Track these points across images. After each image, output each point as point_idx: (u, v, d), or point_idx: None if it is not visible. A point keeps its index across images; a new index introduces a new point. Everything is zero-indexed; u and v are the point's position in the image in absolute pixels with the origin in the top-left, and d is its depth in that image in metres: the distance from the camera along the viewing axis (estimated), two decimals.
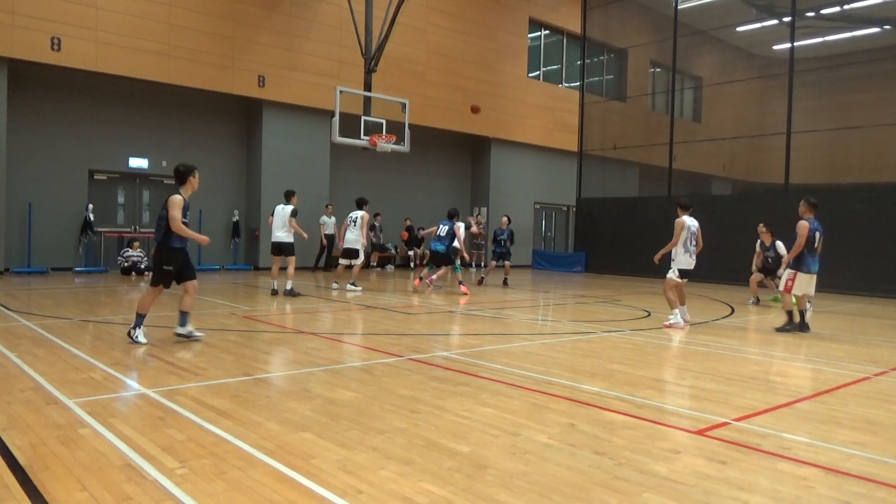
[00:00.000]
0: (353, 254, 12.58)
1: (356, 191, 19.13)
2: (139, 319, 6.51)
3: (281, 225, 11.54)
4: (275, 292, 11.53)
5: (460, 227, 13.39)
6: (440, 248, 12.98)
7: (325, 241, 17.96)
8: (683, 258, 9.04)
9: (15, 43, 13.64)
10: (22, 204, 14.63)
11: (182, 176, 6.66)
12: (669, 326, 8.93)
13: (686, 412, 4.58)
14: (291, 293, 11.31)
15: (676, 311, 9.06)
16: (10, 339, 6.63)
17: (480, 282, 15.31)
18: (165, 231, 6.43)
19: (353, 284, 12.46)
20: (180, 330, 6.74)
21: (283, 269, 11.72)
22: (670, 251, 9.16)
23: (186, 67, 15.89)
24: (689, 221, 9.14)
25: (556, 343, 7.56)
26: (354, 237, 12.50)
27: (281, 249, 11.60)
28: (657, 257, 9.41)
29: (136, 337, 6.46)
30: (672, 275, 9.07)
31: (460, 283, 13.05)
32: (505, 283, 15.12)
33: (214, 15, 16.35)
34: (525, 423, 4.16)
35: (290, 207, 11.57)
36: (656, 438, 3.94)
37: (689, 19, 20.42)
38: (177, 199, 6.44)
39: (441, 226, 13.17)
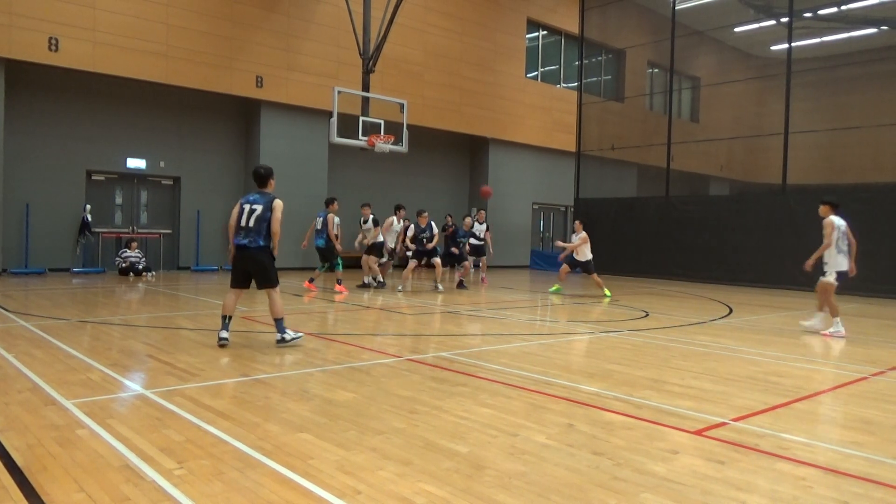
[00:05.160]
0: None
1: (354, 191, 19.18)
2: (280, 323, 6.62)
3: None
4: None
5: (332, 217, 12.37)
6: (319, 242, 12.43)
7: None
8: (839, 259, 8.45)
9: (12, 43, 13.62)
10: (19, 204, 14.60)
11: (265, 178, 6.73)
12: (829, 336, 8.45)
13: (684, 412, 4.58)
14: (437, 289, 13.02)
15: (838, 318, 8.54)
16: (8, 339, 6.61)
17: (460, 284, 13.97)
18: (268, 233, 6.52)
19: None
20: (226, 334, 6.64)
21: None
22: (822, 255, 8.59)
23: (184, 68, 15.88)
24: (839, 221, 8.54)
25: (554, 343, 7.56)
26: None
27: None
28: (809, 264, 8.63)
29: (288, 336, 6.62)
30: (829, 278, 8.53)
31: (338, 281, 12.46)
32: (461, 285, 13.95)
33: (212, 15, 16.34)
34: (523, 424, 4.16)
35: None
36: (655, 439, 3.94)
37: (687, 20, 20.45)
38: (281, 204, 6.61)
39: (318, 218, 12.61)
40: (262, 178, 6.70)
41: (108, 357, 5.91)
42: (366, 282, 13.52)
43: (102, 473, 3.15)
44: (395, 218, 13.88)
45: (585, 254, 13.39)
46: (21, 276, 13.94)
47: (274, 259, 6.66)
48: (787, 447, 3.86)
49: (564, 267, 13.77)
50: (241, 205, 6.60)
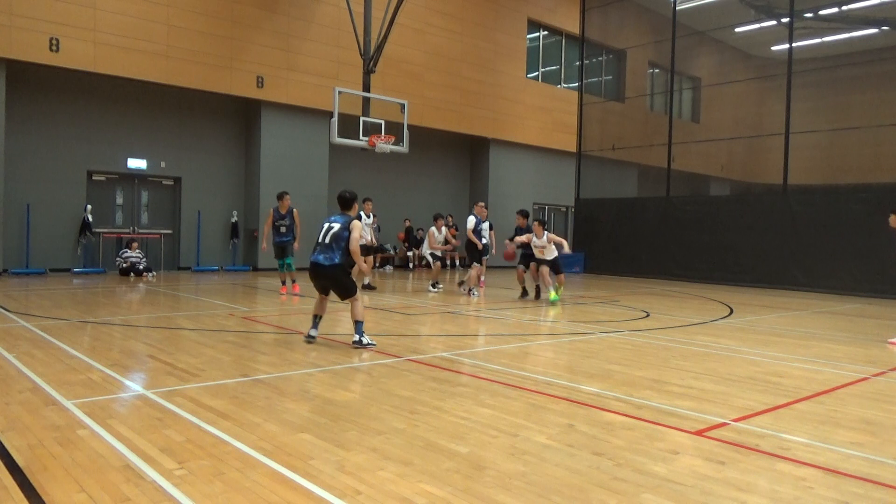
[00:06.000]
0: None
1: (356, 191, 19.14)
2: (359, 326, 6.77)
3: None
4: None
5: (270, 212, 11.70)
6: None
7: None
8: None
9: (13, 44, 13.63)
10: (20, 205, 14.61)
11: (349, 202, 7.07)
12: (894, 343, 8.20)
13: (685, 413, 4.58)
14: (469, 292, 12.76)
15: None
16: (9, 340, 6.62)
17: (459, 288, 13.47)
18: (345, 251, 6.74)
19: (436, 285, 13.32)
20: (314, 332, 7.00)
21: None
22: None
23: (185, 68, 15.89)
24: None
25: (554, 343, 7.56)
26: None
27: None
28: None
29: (365, 340, 6.76)
30: None
31: (293, 281, 11.92)
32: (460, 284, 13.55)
33: (213, 16, 16.35)
34: (524, 424, 4.16)
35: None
36: (655, 439, 3.94)
37: (688, 20, 20.45)
38: (360, 225, 6.88)
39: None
40: (346, 201, 7.07)
41: (109, 357, 5.91)
42: (366, 282, 13.44)
43: (103, 473, 3.15)
44: (434, 228, 14.16)
45: (553, 251, 11.72)
46: (22, 277, 13.95)
47: (348, 273, 6.89)
48: (788, 447, 3.85)
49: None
50: (323, 223, 6.98)
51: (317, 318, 7.01)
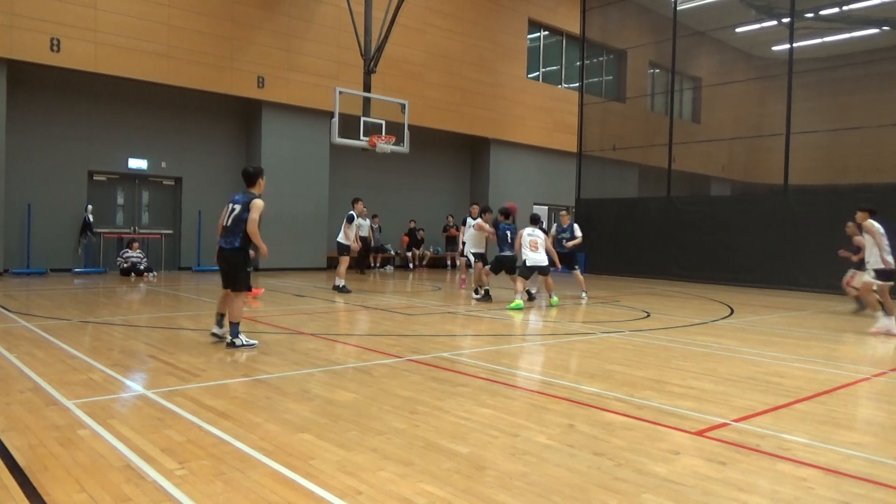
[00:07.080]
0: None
1: (355, 192, 19.17)
2: (235, 328, 6.44)
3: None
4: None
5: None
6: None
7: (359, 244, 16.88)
8: (878, 258, 8.92)
9: (14, 44, 13.64)
10: (21, 205, 14.62)
11: (252, 177, 6.61)
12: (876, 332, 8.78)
13: (685, 413, 4.58)
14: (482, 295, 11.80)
15: (880, 313, 8.95)
16: (10, 340, 6.62)
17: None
18: (245, 234, 6.41)
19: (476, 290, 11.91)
20: (217, 330, 6.80)
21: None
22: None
23: (185, 68, 15.89)
24: (878, 225, 9.19)
25: (555, 344, 7.56)
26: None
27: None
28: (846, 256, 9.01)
29: (245, 341, 6.45)
30: (868, 277, 9.08)
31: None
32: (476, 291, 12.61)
33: (213, 16, 16.35)
34: (524, 424, 4.17)
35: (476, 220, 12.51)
36: (655, 439, 3.94)
37: (688, 20, 20.44)
38: (260, 204, 6.43)
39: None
40: (249, 176, 6.60)
41: (110, 357, 5.92)
42: (338, 284, 12.47)
43: (104, 473, 3.15)
44: (481, 221, 12.43)
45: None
46: (22, 277, 13.96)
47: (246, 263, 6.54)
48: (788, 448, 3.85)
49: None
50: (227, 204, 6.61)
51: (220, 317, 6.74)
